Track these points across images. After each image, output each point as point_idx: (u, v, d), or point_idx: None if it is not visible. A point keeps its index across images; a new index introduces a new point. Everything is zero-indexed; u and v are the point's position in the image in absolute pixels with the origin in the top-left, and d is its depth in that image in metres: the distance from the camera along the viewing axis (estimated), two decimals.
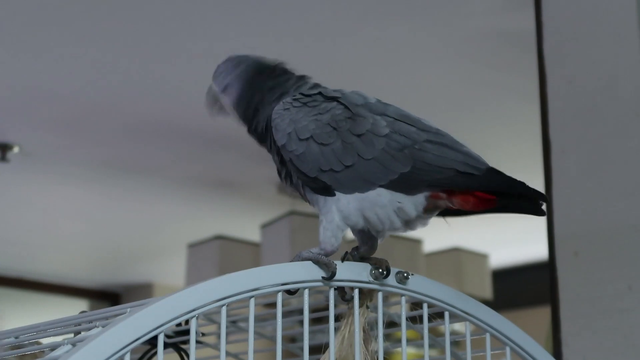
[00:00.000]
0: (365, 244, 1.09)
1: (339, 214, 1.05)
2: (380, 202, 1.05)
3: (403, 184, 1.05)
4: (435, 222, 1.13)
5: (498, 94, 3.77)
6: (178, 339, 1.28)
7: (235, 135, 4.03)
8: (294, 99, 1.11)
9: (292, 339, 3.78)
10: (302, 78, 1.16)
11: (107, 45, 3.34)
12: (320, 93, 1.11)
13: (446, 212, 1.11)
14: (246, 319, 0.98)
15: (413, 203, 1.06)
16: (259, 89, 1.15)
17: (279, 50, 3.35)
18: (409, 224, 1.08)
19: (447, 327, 1.09)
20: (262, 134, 1.14)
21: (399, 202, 1.05)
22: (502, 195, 1.07)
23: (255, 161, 4.37)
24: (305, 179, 1.08)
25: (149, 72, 3.58)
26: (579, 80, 1.92)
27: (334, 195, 1.06)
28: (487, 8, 3.06)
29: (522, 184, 1.06)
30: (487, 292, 5.00)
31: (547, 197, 1.07)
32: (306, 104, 1.10)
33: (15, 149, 4.28)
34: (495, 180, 1.06)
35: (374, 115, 1.08)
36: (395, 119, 1.08)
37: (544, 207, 1.09)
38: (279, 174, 1.14)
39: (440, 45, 3.35)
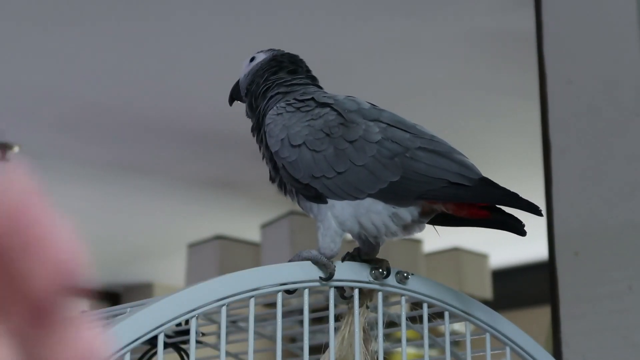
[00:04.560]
0: (366, 246, 1.09)
1: (335, 220, 1.05)
2: (375, 208, 1.04)
3: (392, 194, 1.04)
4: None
5: (498, 94, 3.77)
6: (178, 339, 1.27)
7: (235, 135, 4.04)
8: (288, 104, 1.10)
9: (292, 339, 3.78)
10: (309, 80, 1.17)
11: (108, 45, 3.34)
12: (312, 98, 1.10)
13: (441, 221, 1.11)
14: (246, 319, 0.98)
15: (407, 208, 1.05)
16: (266, 72, 1.16)
17: (277, 46, 3.33)
18: (406, 228, 1.07)
19: (447, 327, 1.09)
20: (255, 134, 1.15)
21: (393, 208, 1.05)
22: (494, 206, 1.06)
23: (255, 161, 4.35)
24: (297, 186, 1.08)
25: (149, 72, 3.58)
26: (579, 80, 1.92)
27: (325, 202, 1.06)
28: (487, 8, 3.06)
29: (514, 195, 1.02)
30: (487, 292, 5.00)
31: (540, 209, 1.04)
32: (299, 109, 1.09)
33: (15, 149, 4.28)
34: (486, 192, 1.04)
35: (367, 122, 1.06)
36: (389, 125, 1.06)
37: (544, 215, 1.06)
38: (272, 180, 1.14)
39: (440, 45, 3.35)
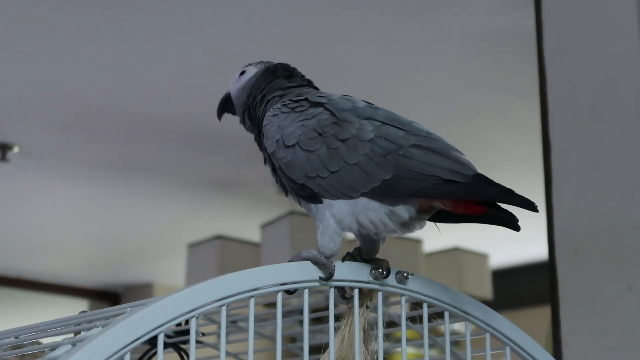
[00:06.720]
0: (366, 245, 1.09)
1: (333, 219, 1.05)
2: (372, 206, 1.04)
3: (386, 192, 1.03)
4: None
5: (498, 94, 3.78)
6: (178, 339, 1.28)
7: (236, 135, 4.03)
8: (283, 105, 1.10)
9: (292, 339, 3.78)
10: (305, 84, 1.17)
11: (107, 45, 3.34)
12: (306, 99, 1.10)
13: (440, 218, 1.11)
14: (246, 319, 0.98)
15: (404, 205, 1.05)
16: (263, 83, 1.16)
17: (276, 45, 3.35)
18: (405, 225, 1.07)
19: (447, 327, 1.09)
20: (256, 138, 1.15)
21: (390, 205, 1.04)
22: (490, 202, 1.06)
23: (255, 161, 4.36)
24: (293, 186, 1.08)
25: (149, 72, 3.58)
26: (579, 80, 1.92)
27: (321, 202, 1.06)
28: (487, 8, 3.06)
29: (509, 192, 1.02)
30: (487, 292, 5.00)
31: (535, 205, 1.04)
32: (293, 109, 1.09)
33: (15, 149, 4.28)
34: (480, 188, 1.03)
35: (361, 120, 1.06)
36: (383, 123, 1.06)
37: (542, 211, 1.07)
38: (276, 181, 1.14)
39: (440, 45, 3.36)
